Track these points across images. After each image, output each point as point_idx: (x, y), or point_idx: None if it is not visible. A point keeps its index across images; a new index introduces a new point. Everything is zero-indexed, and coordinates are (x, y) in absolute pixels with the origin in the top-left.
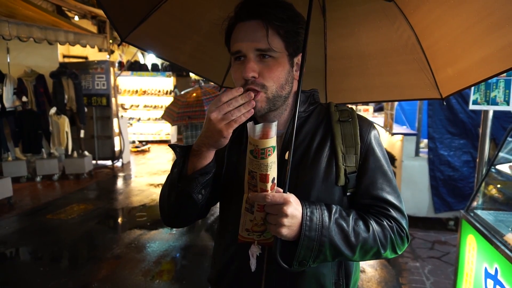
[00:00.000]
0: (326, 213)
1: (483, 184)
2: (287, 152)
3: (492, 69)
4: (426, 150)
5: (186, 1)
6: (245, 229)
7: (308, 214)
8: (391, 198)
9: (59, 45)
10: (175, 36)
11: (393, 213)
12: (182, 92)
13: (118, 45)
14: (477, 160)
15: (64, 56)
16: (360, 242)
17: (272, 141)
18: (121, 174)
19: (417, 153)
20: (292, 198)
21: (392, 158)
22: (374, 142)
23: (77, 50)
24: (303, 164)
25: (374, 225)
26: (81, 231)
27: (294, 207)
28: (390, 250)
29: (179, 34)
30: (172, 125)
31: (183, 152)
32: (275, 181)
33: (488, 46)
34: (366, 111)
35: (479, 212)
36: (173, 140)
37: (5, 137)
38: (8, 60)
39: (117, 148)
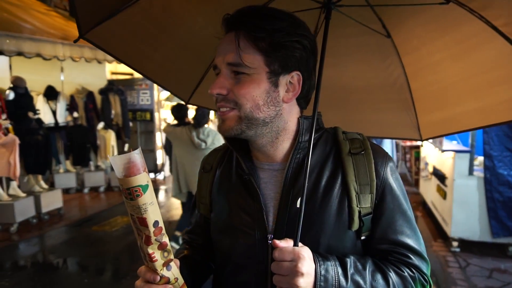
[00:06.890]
0: (340, 270)
1: None
2: (299, 199)
3: (486, 119)
4: (481, 168)
5: (169, 2)
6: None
7: (323, 272)
8: (411, 242)
9: (107, 63)
10: (147, 40)
11: (415, 260)
12: None
13: (74, 41)
14: None
15: (112, 73)
16: None
17: (138, 179)
18: (162, 187)
19: (470, 171)
20: (306, 252)
21: (442, 177)
22: (391, 177)
23: (124, 66)
24: (310, 206)
25: (393, 277)
26: (124, 244)
27: (309, 264)
28: None
29: (152, 38)
30: None
31: None
32: (161, 225)
33: (488, 97)
34: None
35: None
36: None
37: (57, 150)
38: (62, 79)
39: (159, 161)
